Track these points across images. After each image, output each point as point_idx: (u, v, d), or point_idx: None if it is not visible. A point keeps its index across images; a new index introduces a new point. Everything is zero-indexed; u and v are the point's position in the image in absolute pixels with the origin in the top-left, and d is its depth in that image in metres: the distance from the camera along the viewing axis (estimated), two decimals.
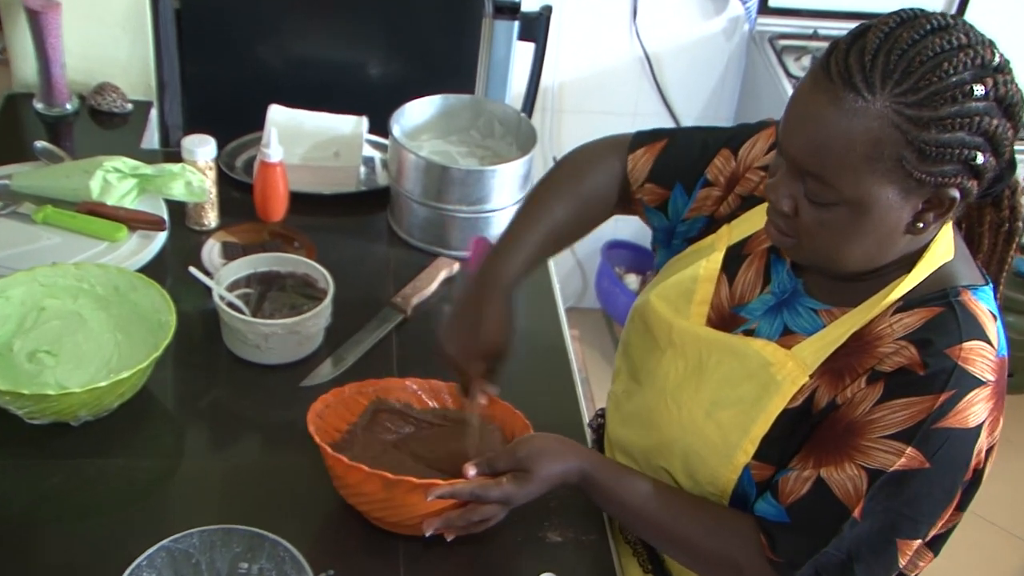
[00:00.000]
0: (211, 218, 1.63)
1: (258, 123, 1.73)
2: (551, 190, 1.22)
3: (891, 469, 0.96)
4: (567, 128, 2.81)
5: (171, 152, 1.80)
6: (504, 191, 1.63)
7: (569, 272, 3.11)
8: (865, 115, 0.89)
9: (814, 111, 0.92)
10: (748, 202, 1.16)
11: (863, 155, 0.90)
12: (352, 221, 1.73)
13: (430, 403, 1.27)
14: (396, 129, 1.66)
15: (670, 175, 1.20)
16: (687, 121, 2.84)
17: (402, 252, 1.66)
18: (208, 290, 1.40)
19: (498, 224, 1.63)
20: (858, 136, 0.89)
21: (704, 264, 1.15)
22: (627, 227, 3.00)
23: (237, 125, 1.82)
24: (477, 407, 1.19)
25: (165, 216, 1.57)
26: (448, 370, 1.19)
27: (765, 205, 1.05)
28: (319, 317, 1.39)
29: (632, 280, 3.04)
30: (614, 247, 3.04)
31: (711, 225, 1.19)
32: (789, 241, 1.01)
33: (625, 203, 1.26)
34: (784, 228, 1.00)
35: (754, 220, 1.14)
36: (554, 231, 1.20)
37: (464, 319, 1.16)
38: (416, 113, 1.72)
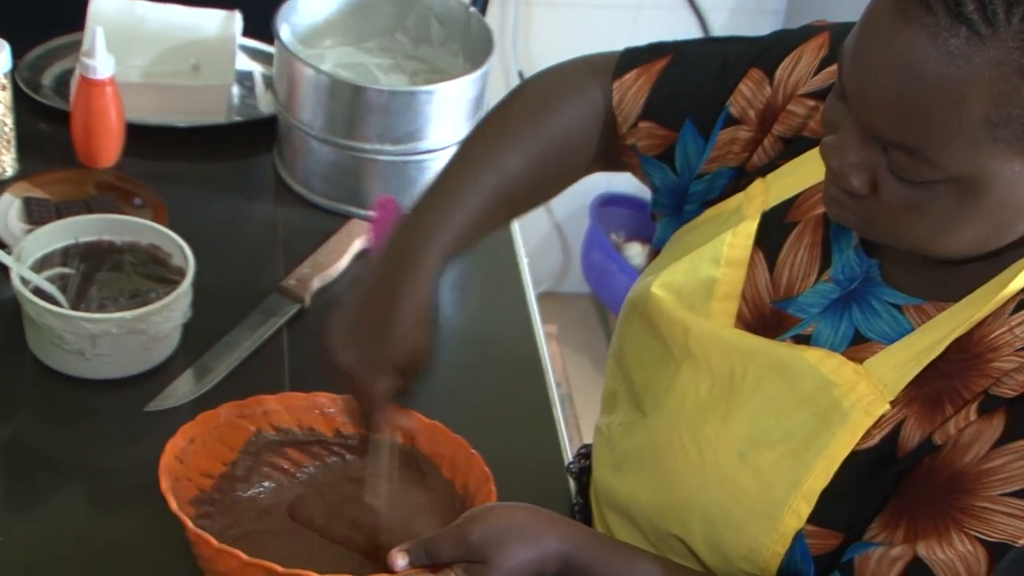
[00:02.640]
0: (6, 162, 1.63)
1: (75, 20, 1.72)
2: (503, 129, 1.22)
3: (1022, 542, 0.97)
4: (538, 29, 2.81)
5: None
6: (446, 122, 1.63)
7: (544, 240, 3.12)
8: (982, 62, 0.88)
9: (903, 55, 0.91)
10: (793, 145, 1.16)
11: (980, 119, 0.90)
12: (222, 167, 1.73)
13: (346, 430, 1.28)
14: (285, 30, 1.65)
15: (676, 108, 1.20)
16: (717, 17, 2.85)
17: (296, 213, 1.67)
18: (4, 269, 1.40)
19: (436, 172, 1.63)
20: (973, 92, 0.89)
21: (729, 239, 1.15)
22: (625, 176, 3.00)
23: (42, 23, 1.81)
24: (387, 433, 1.19)
25: None
26: (341, 386, 1.18)
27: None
28: (173, 309, 1.39)
29: (636, 252, 3.06)
30: (608, 204, 3.05)
31: (739, 180, 1.19)
32: (856, 220, 1.02)
33: (611, 153, 1.26)
34: (850, 205, 1.00)
35: (803, 172, 1.14)
36: (505, 190, 1.20)
37: (369, 314, 1.15)
38: (315, 7, 1.72)
